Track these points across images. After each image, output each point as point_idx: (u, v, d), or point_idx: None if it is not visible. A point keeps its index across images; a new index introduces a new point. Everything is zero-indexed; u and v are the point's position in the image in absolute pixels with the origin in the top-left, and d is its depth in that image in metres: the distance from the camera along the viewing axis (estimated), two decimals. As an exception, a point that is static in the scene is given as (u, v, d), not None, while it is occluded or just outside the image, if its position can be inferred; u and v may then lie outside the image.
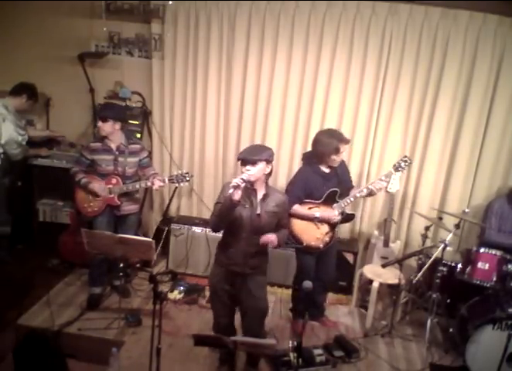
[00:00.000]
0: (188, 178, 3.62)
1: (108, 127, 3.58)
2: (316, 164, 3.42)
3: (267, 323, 3.08)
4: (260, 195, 2.78)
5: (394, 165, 3.55)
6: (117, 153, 3.65)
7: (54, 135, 4.59)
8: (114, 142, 3.64)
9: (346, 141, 3.39)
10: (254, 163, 2.68)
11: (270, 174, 2.81)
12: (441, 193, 4.25)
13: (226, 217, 2.71)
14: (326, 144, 3.32)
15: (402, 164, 3.53)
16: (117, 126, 3.61)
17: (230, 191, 2.56)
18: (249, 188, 2.74)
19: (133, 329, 3.46)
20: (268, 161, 2.74)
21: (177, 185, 3.68)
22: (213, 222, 2.82)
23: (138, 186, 3.64)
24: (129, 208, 3.77)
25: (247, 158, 2.69)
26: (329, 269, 3.62)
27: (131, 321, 3.51)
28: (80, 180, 3.64)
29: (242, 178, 2.59)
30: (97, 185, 3.62)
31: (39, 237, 4.44)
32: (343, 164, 3.57)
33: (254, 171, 2.68)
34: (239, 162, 2.75)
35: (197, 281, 4.17)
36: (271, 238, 2.73)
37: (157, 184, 3.59)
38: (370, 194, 3.52)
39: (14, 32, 4.48)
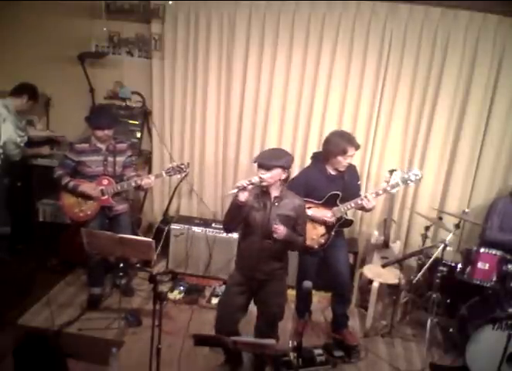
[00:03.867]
0: (185, 169, 3.59)
1: (110, 133, 3.60)
2: (323, 164, 3.38)
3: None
4: (273, 198, 2.73)
5: (403, 178, 3.37)
6: (106, 153, 3.62)
7: (54, 135, 4.59)
8: (104, 142, 3.62)
9: (356, 146, 3.32)
10: (269, 168, 2.64)
11: (287, 179, 2.76)
12: (441, 193, 4.25)
13: (234, 217, 2.72)
14: (335, 144, 3.28)
15: (412, 177, 3.36)
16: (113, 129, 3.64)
17: (234, 190, 2.55)
18: (264, 191, 2.71)
19: (133, 329, 3.46)
20: (285, 168, 2.70)
21: (175, 176, 3.67)
22: (224, 222, 2.83)
23: (133, 184, 3.57)
24: (120, 207, 3.73)
25: (262, 163, 2.66)
26: (340, 270, 3.42)
27: (131, 321, 3.51)
28: (67, 184, 3.56)
29: (250, 181, 2.58)
30: (87, 186, 3.55)
31: (39, 237, 4.43)
32: (353, 170, 3.48)
33: (268, 177, 2.64)
34: (255, 164, 2.71)
35: (197, 281, 4.18)
36: (280, 228, 2.64)
37: (145, 181, 3.54)
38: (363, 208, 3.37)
39: (14, 32, 4.49)
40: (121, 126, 4.34)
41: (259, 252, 2.74)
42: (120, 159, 3.68)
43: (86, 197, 3.58)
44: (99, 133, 3.56)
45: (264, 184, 2.66)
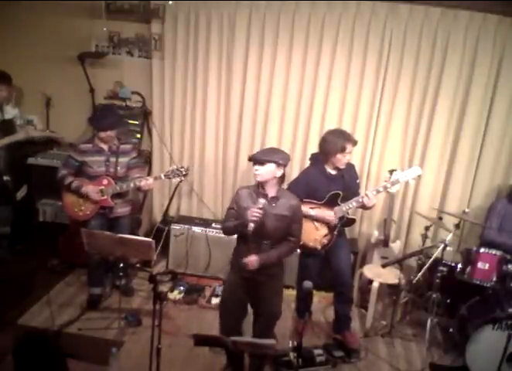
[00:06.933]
0: (184, 173, 3.57)
1: (113, 134, 3.59)
2: (322, 164, 3.38)
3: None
4: (269, 198, 2.73)
5: (403, 175, 3.38)
6: (109, 153, 3.61)
7: (54, 136, 4.59)
8: (107, 143, 3.61)
9: (354, 142, 3.34)
10: (262, 163, 2.67)
11: (282, 178, 2.76)
12: (441, 193, 4.25)
13: (239, 231, 2.78)
14: (333, 142, 3.28)
15: (412, 174, 3.39)
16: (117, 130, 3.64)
17: (252, 225, 2.60)
18: (259, 191, 2.72)
19: (133, 329, 3.46)
20: (279, 164, 2.70)
21: (174, 180, 3.66)
22: (226, 230, 2.85)
23: (132, 185, 3.55)
24: (121, 210, 3.71)
25: (255, 158, 2.71)
26: (342, 269, 3.41)
27: (131, 321, 3.51)
28: (70, 184, 3.54)
29: (259, 207, 2.62)
30: (91, 188, 3.54)
31: (39, 237, 4.43)
32: (352, 169, 3.49)
33: (261, 172, 2.67)
34: (251, 162, 2.74)
35: (197, 281, 4.18)
36: (251, 260, 2.70)
37: (144, 182, 3.53)
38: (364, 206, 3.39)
39: (14, 32, 4.49)
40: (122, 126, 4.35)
41: (258, 253, 2.72)
42: (123, 160, 3.66)
43: (87, 197, 3.57)
44: (102, 134, 3.55)
45: (257, 179, 2.69)
